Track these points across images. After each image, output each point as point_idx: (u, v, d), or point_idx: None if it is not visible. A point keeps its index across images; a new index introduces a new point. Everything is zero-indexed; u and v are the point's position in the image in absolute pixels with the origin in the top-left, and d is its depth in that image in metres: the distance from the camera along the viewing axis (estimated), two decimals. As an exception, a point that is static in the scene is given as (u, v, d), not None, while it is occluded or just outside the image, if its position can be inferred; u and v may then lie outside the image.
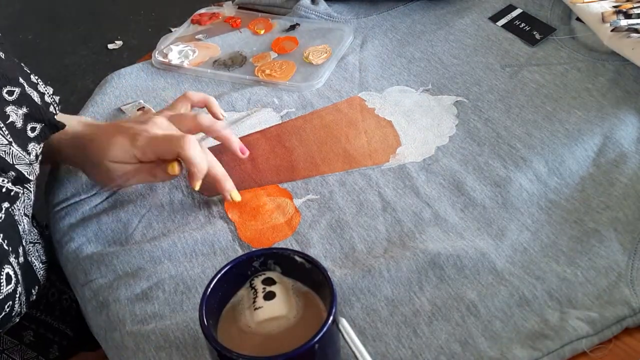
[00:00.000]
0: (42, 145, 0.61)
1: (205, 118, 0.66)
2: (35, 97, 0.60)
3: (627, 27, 0.73)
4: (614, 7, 0.77)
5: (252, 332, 0.46)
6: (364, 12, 0.92)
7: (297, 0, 0.91)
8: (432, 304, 0.54)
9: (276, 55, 0.86)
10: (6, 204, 0.56)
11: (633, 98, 0.71)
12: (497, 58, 0.80)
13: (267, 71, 0.83)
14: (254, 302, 0.48)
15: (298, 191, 0.67)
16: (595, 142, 0.66)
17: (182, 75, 0.85)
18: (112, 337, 0.57)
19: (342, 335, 0.45)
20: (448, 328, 0.52)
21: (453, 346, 0.51)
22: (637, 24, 0.73)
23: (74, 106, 0.91)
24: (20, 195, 0.58)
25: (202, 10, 0.97)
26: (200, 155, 0.61)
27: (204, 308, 0.45)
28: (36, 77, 0.63)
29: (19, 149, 0.57)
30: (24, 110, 0.58)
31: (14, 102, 0.57)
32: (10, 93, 0.57)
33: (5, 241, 0.55)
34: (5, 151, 0.55)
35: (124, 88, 0.84)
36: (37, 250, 0.65)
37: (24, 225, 0.61)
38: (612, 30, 0.74)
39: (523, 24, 0.84)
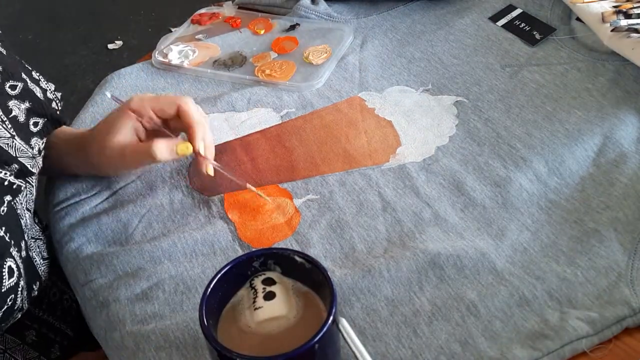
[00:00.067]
0: (45, 140, 0.61)
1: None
2: (38, 92, 0.60)
3: (627, 27, 0.73)
4: (614, 7, 0.77)
5: (252, 332, 0.46)
6: (364, 12, 0.92)
7: (297, 0, 0.91)
8: (432, 304, 0.54)
9: (276, 55, 0.86)
10: (8, 197, 0.56)
11: (633, 98, 0.71)
12: (497, 58, 0.80)
13: (267, 71, 0.83)
14: (254, 302, 0.48)
15: (298, 191, 0.67)
16: (595, 142, 0.66)
17: (182, 75, 0.85)
18: (112, 337, 0.57)
19: (342, 335, 0.45)
20: (448, 328, 0.52)
21: (453, 346, 0.51)
22: (637, 24, 0.73)
23: (74, 106, 0.91)
24: (22, 188, 0.58)
25: (202, 10, 0.97)
26: (199, 111, 0.64)
27: (204, 308, 0.45)
28: (38, 74, 0.63)
29: (22, 142, 0.57)
30: (27, 104, 0.58)
31: (16, 97, 0.57)
32: (13, 87, 0.58)
33: (8, 234, 0.55)
34: (7, 144, 0.55)
35: (124, 88, 0.84)
36: (38, 246, 0.65)
37: (25, 219, 0.61)
38: (612, 30, 0.74)
39: (523, 24, 0.84)
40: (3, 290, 0.55)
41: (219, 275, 0.48)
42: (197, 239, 0.63)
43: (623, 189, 0.62)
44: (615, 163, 0.64)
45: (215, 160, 0.68)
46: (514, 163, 0.66)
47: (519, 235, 0.59)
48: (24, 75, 0.59)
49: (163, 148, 0.62)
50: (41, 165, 0.61)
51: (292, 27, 0.90)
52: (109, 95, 0.69)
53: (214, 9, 0.97)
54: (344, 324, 0.45)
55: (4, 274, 0.55)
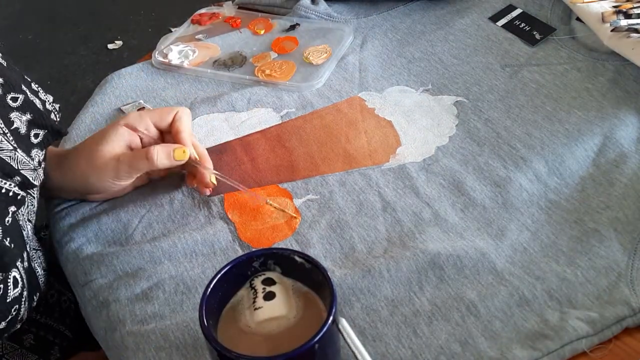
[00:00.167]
0: (45, 151, 0.61)
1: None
2: (38, 104, 0.60)
3: (627, 27, 0.73)
4: (614, 7, 0.77)
5: (252, 332, 0.46)
6: (364, 12, 0.92)
7: (297, 0, 0.91)
8: (432, 304, 0.54)
9: (276, 55, 0.86)
10: (13, 208, 0.56)
11: (633, 98, 0.71)
12: (497, 58, 0.80)
13: (267, 71, 0.83)
14: (254, 302, 0.48)
15: (298, 191, 0.67)
16: (595, 142, 0.66)
17: (182, 75, 0.85)
18: (112, 337, 0.57)
19: (342, 335, 0.45)
20: (448, 328, 0.52)
21: (453, 346, 0.51)
22: (637, 24, 0.73)
23: (74, 106, 0.91)
24: (25, 200, 0.58)
25: (202, 10, 0.97)
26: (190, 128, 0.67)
27: (204, 308, 0.45)
28: (36, 86, 0.63)
29: (24, 155, 0.57)
30: (28, 116, 0.58)
31: (17, 109, 0.57)
32: (15, 100, 0.57)
33: (12, 245, 0.55)
34: (10, 156, 0.55)
35: (124, 88, 0.84)
36: (39, 257, 0.65)
37: (27, 231, 0.61)
38: (612, 30, 0.74)
39: (523, 24, 0.84)
40: (8, 301, 0.55)
41: (219, 275, 0.48)
42: (197, 239, 0.63)
43: (623, 189, 0.62)
44: (615, 163, 0.64)
45: (215, 160, 0.68)
46: (514, 163, 0.66)
47: (519, 235, 0.59)
48: (24, 87, 0.59)
49: (161, 152, 0.62)
50: (42, 177, 0.61)
51: (292, 27, 0.90)
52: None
53: (214, 9, 0.97)
54: (344, 324, 0.45)
55: (9, 284, 0.55)
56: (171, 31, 0.95)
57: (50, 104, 0.63)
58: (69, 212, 0.69)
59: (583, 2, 0.79)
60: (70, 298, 0.78)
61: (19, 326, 0.60)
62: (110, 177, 0.64)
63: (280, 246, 0.62)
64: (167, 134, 0.67)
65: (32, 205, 0.62)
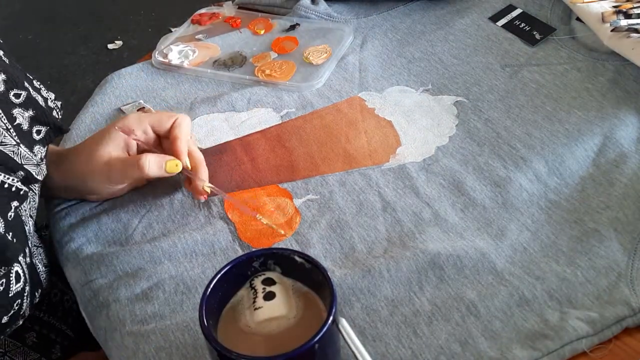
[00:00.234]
0: (46, 148, 0.61)
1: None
2: (40, 101, 0.60)
3: (627, 27, 0.73)
4: (614, 7, 0.77)
5: (252, 332, 0.46)
6: (364, 12, 0.92)
7: (297, 0, 0.91)
8: (432, 304, 0.54)
9: (276, 55, 0.86)
10: (15, 203, 0.56)
11: (633, 98, 0.71)
12: (497, 58, 0.80)
13: (267, 71, 0.83)
14: (254, 302, 0.48)
15: (298, 191, 0.67)
16: (595, 142, 0.66)
17: (182, 75, 0.85)
18: (112, 337, 0.57)
19: (342, 335, 0.45)
20: (448, 328, 0.52)
21: (453, 346, 0.51)
22: (637, 24, 0.73)
23: (74, 106, 0.91)
24: (28, 195, 0.59)
25: (202, 10, 0.97)
26: (189, 135, 0.66)
27: (204, 308, 0.45)
28: (38, 83, 0.63)
29: (27, 150, 0.57)
30: (30, 112, 0.59)
31: (20, 105, 0.58)
32: (17, 96, 0.58)
33: (14, 239, 0.55)
34: (13, 151, 0.56)
35: (124, 88, 0.84)
36: (40, 254, 0.65)
37: (29, 226, 0.61)
38: (612, 30, 0.74)
39: (523, 24, 0.84)
40: (10, 295, 0.56)
41: (219, 275, 0.48)
42: (197, 239, 0.63)
43: (623, 189, 0.62)
44: (615, 163, 0.64)
45: (215, 160, 0.68)
46: (514, 163, 0.66)
47: (519, 235, 0.59)
48: (26, 84, 0.59)
49: (152, 161, 0.62)
50: (45, 172, 0.61)
51: (292, 27, 0.90)
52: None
53: (214, 9, 0.97)
54: (344, 324, 0.45)
55: (11, 278, 0.56)
56: (171, 31, 0.95)
57: (52, 101, 0.63)
58: (69, 212, 0.69)
59: (583, 2, 0.79)
60: (72, 297, 0.78)
61: (20, 322, 0.60)
62: (104, 180, 0.65)
63: (280, 246, 0.62)
64: (165, 139, 0.67)
65: (34, 201, 0.62)
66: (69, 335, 0.75)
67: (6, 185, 0.55)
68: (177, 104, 0.80)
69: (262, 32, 0.90)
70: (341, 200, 0.65)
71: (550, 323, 0.51)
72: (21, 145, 0.57)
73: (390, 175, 0.67)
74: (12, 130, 0.56)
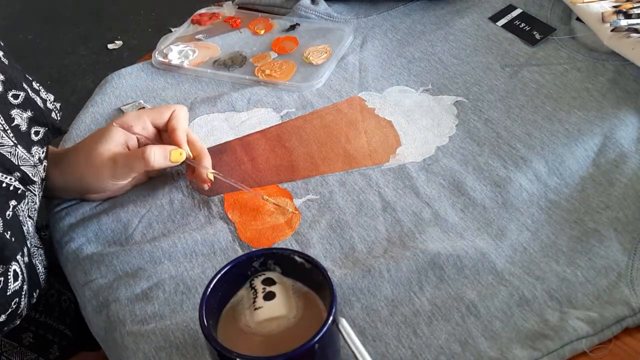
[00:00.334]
0: (45, 149, 0.61)
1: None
2: (39, 102, 0.61)
3: (627, 27, 0.73)
4: (614, 7, 0.77)
5: (252, 332, 0.46)
6: (364, 12, 0.92)
7: (297, 0, 0.91)
8: (432, 304, 0.54)
9: (276, 55, 0.86)
10: (13, 202, 0.56)
11: (633, 98, 0.71)
12: (497, 58, 0.80)
13: (267, 71, 0.83)
14: (254, 302, 0.48)
15: (298, 191, 0.67)
16: (595, 142, 0.66)
17: (182, 75, 0.85)
18: (112, 337, 0.57)
19: (342, 335, 0.45)
20: (448, 328, 0.52)
21: (453, 346, 0.51)
22: (637, 24, 0.73)
23: (74, 106, 0.91)
24: (26, 195, 0.59)
25: (202, 10, 0.97)
26: (187, 125, 0.67)
27: (204, 308, 0.45)
28: (38, 84, 0.63)
29: (24, 151, 0.57)
30: (29, 113, 0.59)
31: (18, 106, 0.58)
32: (16, 97, 0.58)
33: (12, 238, 0.55)
34: (10, 152, 0.56)
35: (124, 88, 0.84)
36: (40, 255, 0.65)
37: (28, 227, 0.61)
38: (612, 30, 0.74)
39: (523, 24, 0.84)
40: (8, 294, 0.56)
41: (219, 275, 0.48)
42: (197, 239, 0.63)
43: (623, 189, 0.62)
44: (615, 163, 0.64)
45: (215, 160, 0.68)
46: (514, 163, 0.66)
47: (519, 235, 0.59)
48: (25, 85, 0.59)
49: (157, 152, 0.62)
50: (43, 174, 0.61)
51: (292, 27, 0.90)
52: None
53: (214, 9, 0.97)
54: (344, 324, 0.45)
55: (9, 277, 0.56)
56: (171, 31, 0.95)
57: (51, 102, 0.63)
58: (69, 212, 0.69)
59: (583, 2, 0.79)
60: (70, 298, 0.78)
61: (18, 322, 0.60)
62: (108, 177, 0.64)
63: (280, 246, 0.62)
64: (164, 133, 0.67)
65: (33, 202, 0.62)
66: (67, 335, 0.75)
67: (4, 185, 0.55)
68: (177, 104, 0.80)
69: (262, 32, 0.90)
70: (341, 200, 0.65)
71: (550, 323, 0.51)
72: (19, 146, 0.57)
73: (390, 175, 0.67)
74: (9, 131, 0.56)
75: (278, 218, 0.64)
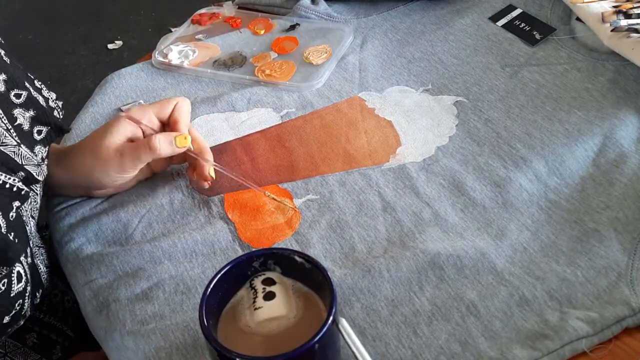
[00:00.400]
0: (47, 148, 0.61)
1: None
2: (41, 101, 0.60)
3: (627, 27, 0.73)
4: (614, 7, 0.77)
5: (252, 332, 0.46)
6: (364, 12, 0.92)
7: (297, 0, 0.91)
8: (432, 304, 0.54)
9: (276, 55, 0.86)
10: (17, 203, 0.56)
11: (633, 98, 0.71)
12: (497, 58, 0.80)
13: (267, 71, 0.83)
14: (254, 302, 0.48)
15: (298, 191, 0.67)
16: (595, 142, 0.66)
17: (182, 75, 0.85)
18: (112, 337, 0.57)
19: (342, 335, 0.45)
20: (448, 328, 0.52)
21: (453, 346, 0.51)
22: (637, 24, 0.73)
23: (74, 106, 0.91)
24: (29, 195, 0.59)
25: (202, 10, 0.97)
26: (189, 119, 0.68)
27: (204, 308, 0.45)
28: (39, 83, 0.63)
29: (27, 150, 0.57)
30: (31, 113, 0.59)
31: (21, 105, 0.58)
32: (18, 96, 0.58)
33: (16, 240, 0.55)
34: (14, 152, 0.56)
35: (124, 88, 0.84)
36: (41, 254, 0.65)
37: (30, 227, 0.61)
38: (612, 30, 0.74)
39: (523, 24, 0.84)
40: (12, 295, 0.56)
41: (219, 275, 0.48)
42: (197, 239, 0.63)
43: (623, 189, 0.62)
44: (615, 163, 0.64)
45: (215, 160, 0.68)
46: (514, 163, 0.66)
47: (519, 235, 0.59)
48: (27, 84, 0.59)
49: (163, 139, 0.63)
50: (46, 172, 0.61)
51: (292, 27, 0.90)
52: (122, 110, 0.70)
53: (214, 9, 0.97)
54: (344, 324, 0.45)
55: (13, 279, 0.56)
56: (171, 31, 0.95)
57: (53, 101, 0.63)
58: (69, 212, 0.69)
59: (583, 2, 0.79)
60: (73, 298, 0.78)
61: (22, 323, 0.60)
62: (115, 169, 0.64)
63: (280, 246, 0.62)
64: (167, 126, 0.67)
65: (35, 202, 0.62)
66: (69, 335, 0.75)
67: (7, 186, 0.55)
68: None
69: (262, 32, 0.91)
70: (341, 200, 0.65)
71: (550, 323, 0.51)
72: (22, 145, 0.57)
73: (390, 175, 0.67)
74: (12, 131, 0.56)
75: (278, 218, 0.64)
